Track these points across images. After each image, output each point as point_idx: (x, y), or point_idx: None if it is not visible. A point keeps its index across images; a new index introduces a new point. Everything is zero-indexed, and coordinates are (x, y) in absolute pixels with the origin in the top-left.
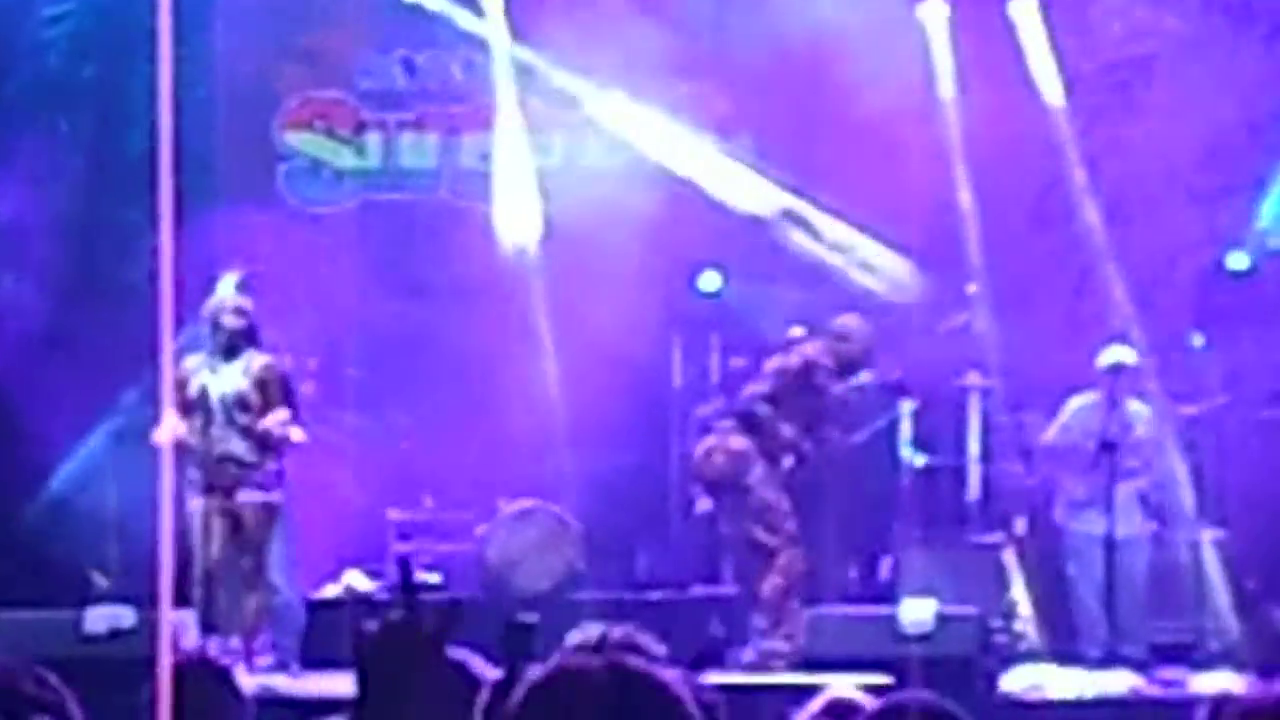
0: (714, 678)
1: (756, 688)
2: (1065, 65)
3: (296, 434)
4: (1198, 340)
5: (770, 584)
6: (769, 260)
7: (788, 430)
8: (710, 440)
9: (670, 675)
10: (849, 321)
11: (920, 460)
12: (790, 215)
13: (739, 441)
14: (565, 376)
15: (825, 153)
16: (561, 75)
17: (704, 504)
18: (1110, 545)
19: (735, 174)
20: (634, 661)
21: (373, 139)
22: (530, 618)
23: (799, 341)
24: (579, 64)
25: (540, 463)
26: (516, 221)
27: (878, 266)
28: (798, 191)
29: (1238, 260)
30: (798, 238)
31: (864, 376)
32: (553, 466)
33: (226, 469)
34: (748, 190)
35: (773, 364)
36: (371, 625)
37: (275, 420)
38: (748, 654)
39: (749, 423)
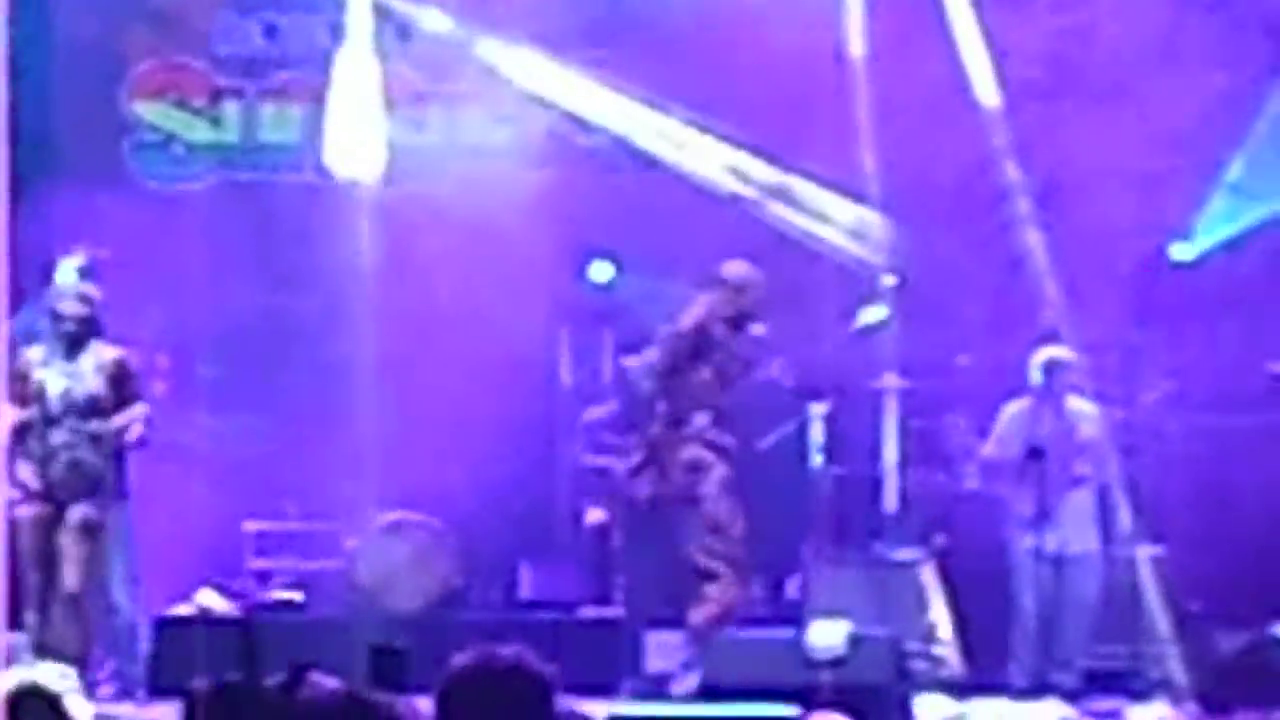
0: (605, 707)
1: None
2: (994, 36)
3: (136, 431)
4: (1137, 338)
5: (703, 612)
6: (667, 250)
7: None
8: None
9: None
10: (738, 269)
11: (831, 469)
12: (772, 189)
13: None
14: (442, 375)
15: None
16: (449, 34)
17: (595, 515)
18: (1059, 562)
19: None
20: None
21: (230, 110)
22: (400, 642)
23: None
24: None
25: (415, 470)
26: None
27: (867, 233)
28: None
29: (1182, 251)
30: (777, 209)
31: (757, 329)
32: (428, 474)
33: (69, 476)
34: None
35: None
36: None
37: (129, 418)
38: (682, 684)
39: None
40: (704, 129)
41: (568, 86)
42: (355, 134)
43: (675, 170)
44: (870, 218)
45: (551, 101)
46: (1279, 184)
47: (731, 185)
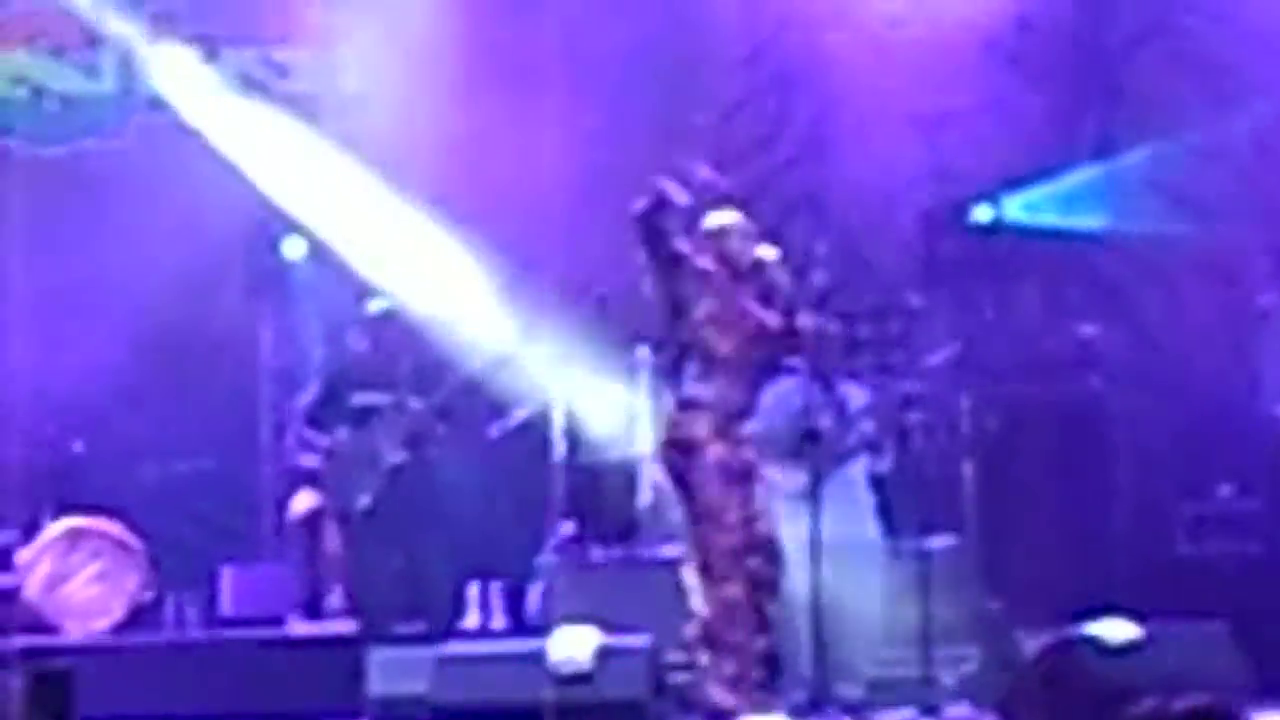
0: None
1: None
2: None
3: None
4: (920, 301)
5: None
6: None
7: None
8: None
9: None
10: None
11: (576, 458)
12: None
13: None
14: (123, 358)
15: None
16: None
17: (302, 504)
18: (835, 553)
19: None
20: None
21: None
22: (65, 666)
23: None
24: None
25: (96, 469)
26: None
27: None
28: None
29: (982, 212)
30: None
31: None
32: (112, 473)
33: None
34: None
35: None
36: None
37: None
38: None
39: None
40: None
41: None
42: None
43: None
44: None
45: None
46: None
47: None
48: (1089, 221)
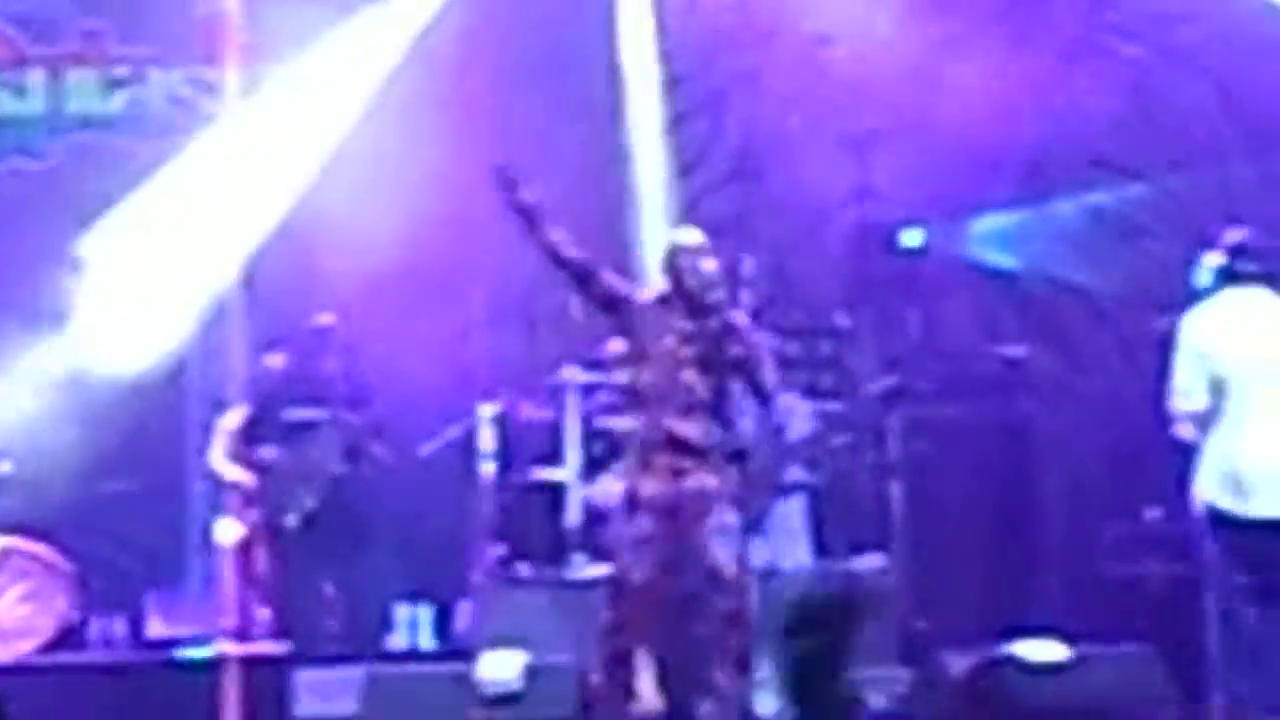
0: None
1: None
2: None
3: None
4: (848, 321)
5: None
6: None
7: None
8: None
9: None
10: None
11: (505, 477)
12: None
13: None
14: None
15: None
16: None
17: (230, 533)
18: (767, 578)
19: None
20: None
21: None
22: None
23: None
24: None
25: (22, 489)
26: None
27: None
28: None
29: (911, 237)
30: None
31: None
32: (38, 493)
33: None
34: None
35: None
36: None
37: None
38: None
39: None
40: None
41: None
42: None
43: None
44: None
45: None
46: None
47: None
48: (1016, 260)
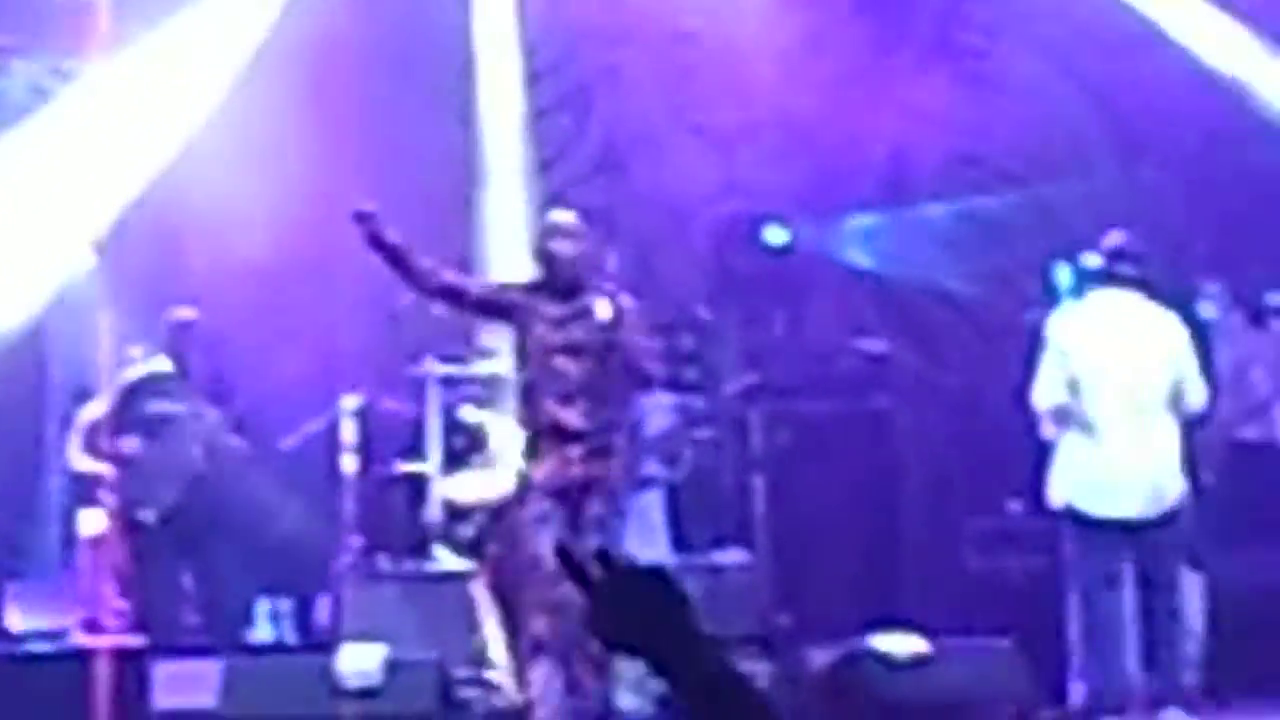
0: None
1: None
2: None
3: None
4: (710, 316)
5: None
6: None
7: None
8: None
9: None
10: None
11: (367, 470)
12: None
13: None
14: None
15: None
16: None
17: (90, 525)
18: None
19: None
20: None
21: None
22: None
23: None
24: None
25: None
26: None
27: None
28: None
29: (776, 235)
30: None
31: None
32: None
33: None
34: None
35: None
36: None
37: None
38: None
39: None
40: None
41: None
42: None
43: None
44: None
45: None
46: None
47: None
48: (882, 259)
